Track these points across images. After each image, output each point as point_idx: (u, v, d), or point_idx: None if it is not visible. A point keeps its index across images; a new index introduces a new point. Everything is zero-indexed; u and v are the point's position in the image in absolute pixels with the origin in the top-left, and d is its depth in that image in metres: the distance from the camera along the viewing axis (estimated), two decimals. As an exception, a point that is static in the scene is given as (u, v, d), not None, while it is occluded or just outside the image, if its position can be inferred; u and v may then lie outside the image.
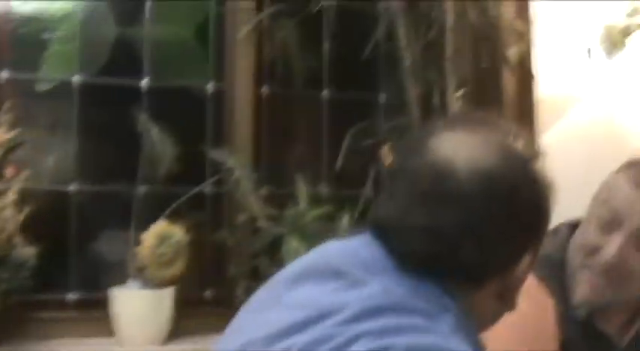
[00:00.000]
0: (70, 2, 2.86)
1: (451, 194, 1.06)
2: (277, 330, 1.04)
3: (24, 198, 2.51)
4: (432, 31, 2.91)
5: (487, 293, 1.11)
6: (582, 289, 1.61)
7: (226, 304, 2.80)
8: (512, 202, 1.08)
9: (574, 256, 1.64)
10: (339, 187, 2.99)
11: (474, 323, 1.10)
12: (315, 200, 2.78)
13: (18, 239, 2.44)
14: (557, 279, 1.64)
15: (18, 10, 2.81)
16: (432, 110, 2.95)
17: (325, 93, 3.04)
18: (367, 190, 2.81)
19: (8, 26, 2.77)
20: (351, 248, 1.13)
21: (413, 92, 2.88)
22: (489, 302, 1.12)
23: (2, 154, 2.52)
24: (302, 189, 2.71)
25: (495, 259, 1.09)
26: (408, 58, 2.87)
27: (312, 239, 2.60)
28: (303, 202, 2.68)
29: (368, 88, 3.12)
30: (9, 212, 2.43)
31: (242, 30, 2.87)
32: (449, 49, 2.93)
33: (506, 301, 1.14)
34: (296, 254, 2.51)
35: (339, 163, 2.78)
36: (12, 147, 2.58)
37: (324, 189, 2.97)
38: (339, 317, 1.01)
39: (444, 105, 2.93)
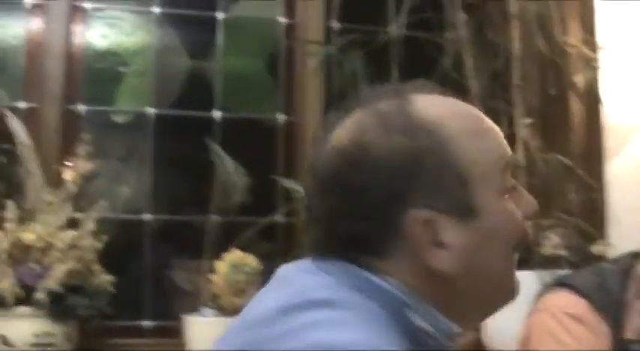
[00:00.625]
0: (144, 37, 2.94)
1: (317, 175, 1.05)
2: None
3: (101, 227, 2.57)
4: (498, 59, 2.92)
5: (404, 259, 1.01)
6: (637, 322, 1.58)
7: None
8: (367, 158, 1.00)
9: (631, 286, 1.62)
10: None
11: (418, 295, 1.01)
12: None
13: (96, 267, 2.50)
14: (614, 307, 1.62)
15: (94, 45, 2.89)
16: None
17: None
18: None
19: (85, 61, 2.85)
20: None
21: (481, 121, 2.88)
22: (418, 266, 1.01)
23: (80, 184, 2.59)
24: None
25: (372, 222, 1.00)
26: (475, 86, 2.87)
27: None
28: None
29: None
30: (87, 241, 2.49)
31: (311, 62, 2.93)
32: (516, 77, 2.93)
33: (431, 254, 1.00)
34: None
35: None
36: (89, 178, 2.65)
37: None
38: (252, 321, 1.00)
39: (512, 133, 2.93)
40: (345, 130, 1.04)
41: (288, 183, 2.74)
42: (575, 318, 1.54)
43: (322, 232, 1.05)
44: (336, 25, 3.02)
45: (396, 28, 2.92)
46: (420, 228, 0.99)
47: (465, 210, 1.01)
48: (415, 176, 1.00)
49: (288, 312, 0.96)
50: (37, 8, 2.83)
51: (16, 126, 2.61)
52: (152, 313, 2.77)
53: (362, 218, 1.01)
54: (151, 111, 2.86)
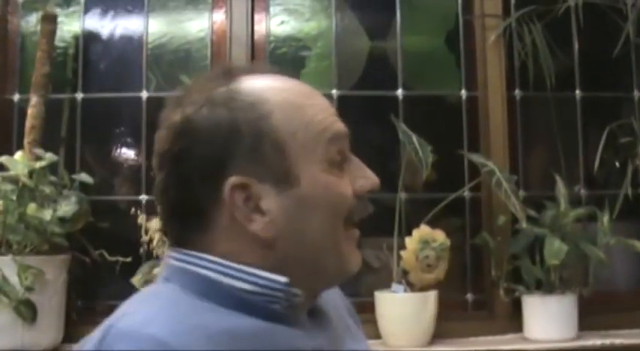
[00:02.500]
0: (324, 21, 3.00)
1: (156, 151, 1.14)
2: None
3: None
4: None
5: (225, 226, 1.08)
6: None
7: (488, 306, 2.83)
8: (191, 128, 1.08)
9: None
10: (595, 187, 2.96)
11: (241, 260, 1.08)
12: (573, 201, 2.76)
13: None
14: None
15: (275, 31, 2.97)
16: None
17: (577, 93, 3.02)
18: (625, 189, 2.76)
19: (268, 48, 2.94)
20: None
21: (667, 86, 2.81)
22: (239, 232, 1.08)
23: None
24: (561, 190, 2.69)
25: (196, 188, 1.08)
26: (659, 51, 2.80)
27: (572, 240, 2.59)
28: (563, 203, 2.66)
29: (621, 85, 3.06)
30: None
31: (491, 36, 2.91)
32: (703, 40, 2.84)
33: (248, 219, 1.07)
34: (557, 255, 2.51)
35: (597, 163, 2.74)
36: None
37: (580, 189, 2.94)
38: None
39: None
40: (178, 109, 1.11)
41: (474, 158, 2.74)
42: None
43: (161, 205, 1.14)
44: (513, -4, 2.99)
45: (575, -4, 2.87)
46: (238, 193, 1.06)
47: (282, 178, 1.07)
48: (233, 144, 1.07)
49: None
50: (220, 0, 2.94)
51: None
52: (345, 288, 2.81)
53: (187, 185, 1.08)
54: (335, 93, 2.92)
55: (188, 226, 1.10)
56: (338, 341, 1.21)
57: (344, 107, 2.87)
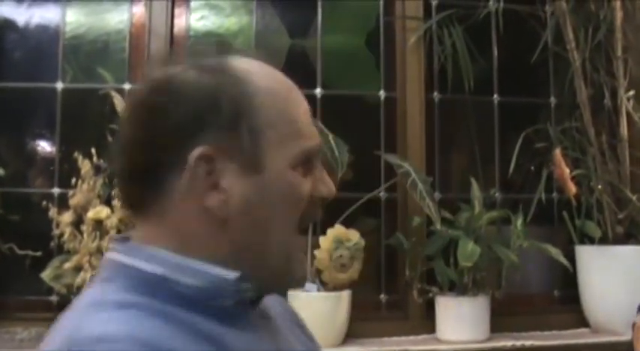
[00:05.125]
0: (244, 17, 2.97)
1: (130, 103, 1.13)
2: None
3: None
4: (600, 31, 2.87)
5: (181, 196, 1.04)
6: None
7: (401, 307, 2.84)
8: (172, 86, 1.05)
9: None
10: (511, 191, 2.99)
11: (190, 238, 1.05)
12: (488, 204, 2.79)
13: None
14: None
15: (195, 26, 2.94)
16: (604, 111, 2.92)
17: (495, 97, 3.05)
18: (540, 193, 2.79)
19: (186, 42, 2.90)
20: None
21: (583, 94, 2.85)
22: (195, 205, 1.05)
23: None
24: (476, 192, 2.71)
25: (162, 148, 1.04)
26: (577, 59, 2.84)
27: (486, 242, 2.61)
28: (477, 206, 2.68)
29: (538, 91, 3.10)
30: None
31: (411, 38, 2.92)
32: (618, 49, 2.89)
33: (206, 193, 1.04)
34: (471, 257, 2.53)
35: (512, 167, 2.76)
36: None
37: (496, 192, 2.97)
38: None
39: (615, 106, 2.89)
40: (163, 68, 1.09)
41: (390, 159, 2.74)
42: None
43: (122, 162, 1.09)
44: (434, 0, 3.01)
45: (495, 2, 2.89)
46: (202, 164, 1.03)
47: (249, 162, 1.05)
48: (211, 114, 1.04)
49: None
50: (140, -7, 2.90)
51: (122, 107, 2.67)
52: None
53: (154, 144, 1.05)
54: (254, 89, 2.88)
55: (144, 190, 1.06)
56: (291, 346, 1.19)
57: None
